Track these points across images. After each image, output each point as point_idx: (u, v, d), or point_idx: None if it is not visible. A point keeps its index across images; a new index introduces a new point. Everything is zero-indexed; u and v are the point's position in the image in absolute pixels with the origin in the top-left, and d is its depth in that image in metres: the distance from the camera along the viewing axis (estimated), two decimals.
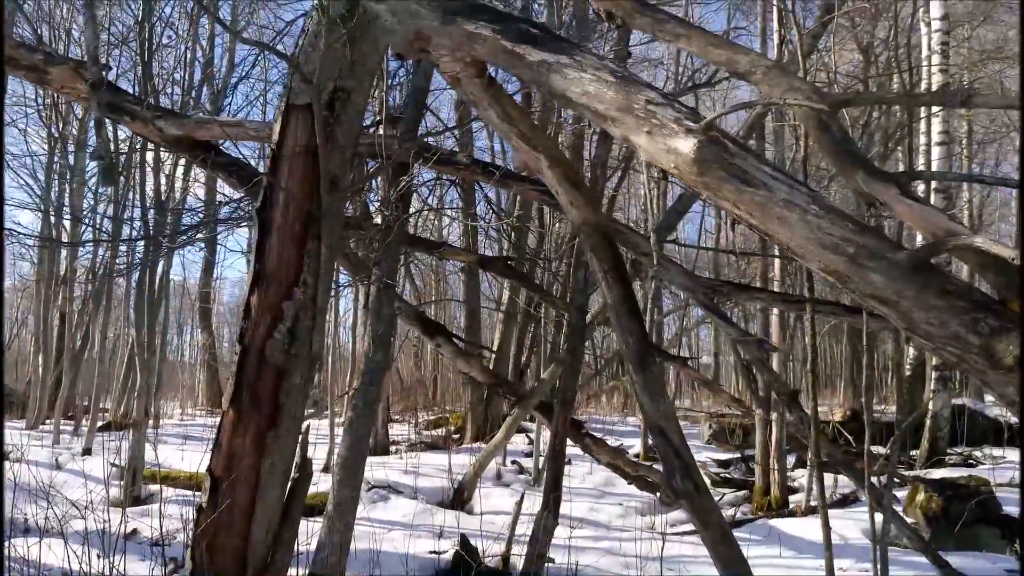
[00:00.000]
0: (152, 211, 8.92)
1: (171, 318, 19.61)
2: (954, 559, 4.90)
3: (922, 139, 11.50)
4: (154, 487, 8.74)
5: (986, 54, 14.92)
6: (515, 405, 8.05)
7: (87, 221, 12.84)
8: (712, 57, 2.05)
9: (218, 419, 3.20)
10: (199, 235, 6.15)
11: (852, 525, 7.43)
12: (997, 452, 10.87)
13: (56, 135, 14.72)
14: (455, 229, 15.89)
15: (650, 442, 10.42)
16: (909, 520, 6.91)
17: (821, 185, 12.92)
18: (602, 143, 5.97)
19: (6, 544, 4.77)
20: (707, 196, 1.62)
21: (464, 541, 6.59)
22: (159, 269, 10.24)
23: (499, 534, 7.08)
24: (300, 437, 3.37)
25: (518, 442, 12.07)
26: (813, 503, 8.37)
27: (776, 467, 8.99)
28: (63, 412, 13.86)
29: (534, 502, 6.27)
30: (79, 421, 14.28)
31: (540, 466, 9.53)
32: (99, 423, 12.69)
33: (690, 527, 6.78)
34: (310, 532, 5.11)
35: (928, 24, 10.73)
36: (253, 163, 6.96)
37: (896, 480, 8.04)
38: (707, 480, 9.76)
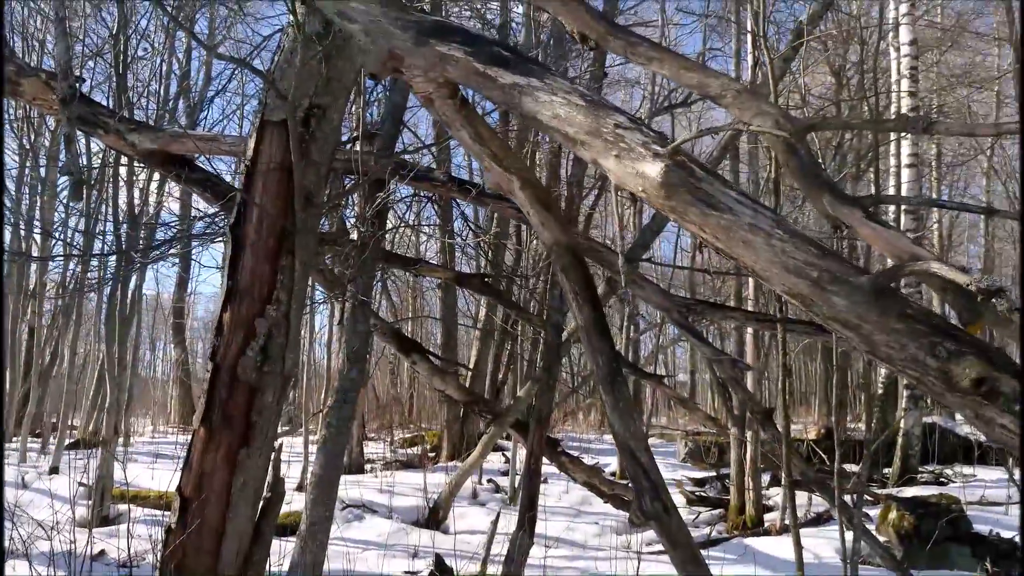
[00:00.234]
0: (125, 225, 8.82)
1: (143, 333, 19.35)
2: None
3: (892, 161, 11.71)
4: (123, 507, 8.58)
5: (954, 79, 15.28)
6: (491, 423, 8.03)
7: (58, 235, 12.66)
8: (684, 80, 2.07)
9: (190, 437, 3.16)
10: (172, 250, 6.08)
11: (826, 544, 7.47)
12: (967, 470, 11.01)
13: (28, 147, 14.54)
14: (432, 245, 15.87)
15: None
16: (881, 538, 6.97)
17: (795, 204, 13.11)
18: (578, 162, 6.01)
19: None
20: (674, 219, 1.65)
21: (439, 561, 6.54)
22: (131, 284, 10.12)
23: (474, 554, 7.03)
24: (272, 456, 3.33)
25: (494, 460, 12.02)
26: (788, 521, 8.41)
27: (751, 486, 9.02)
28: (30, 429, 13.58)
29: (510, 521, 6.24)
30: (46, 439, 14.00)
31: (516, 485, 9.50)
32: (67, 441, 12.45)
33: None
34: (283, 552, 5.04)
35: (897, 49, 10.97)
36: (229, 178, 6.92)
37: (868, 498, 8.11)
38: (682, 498, 9.82)
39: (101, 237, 10.91)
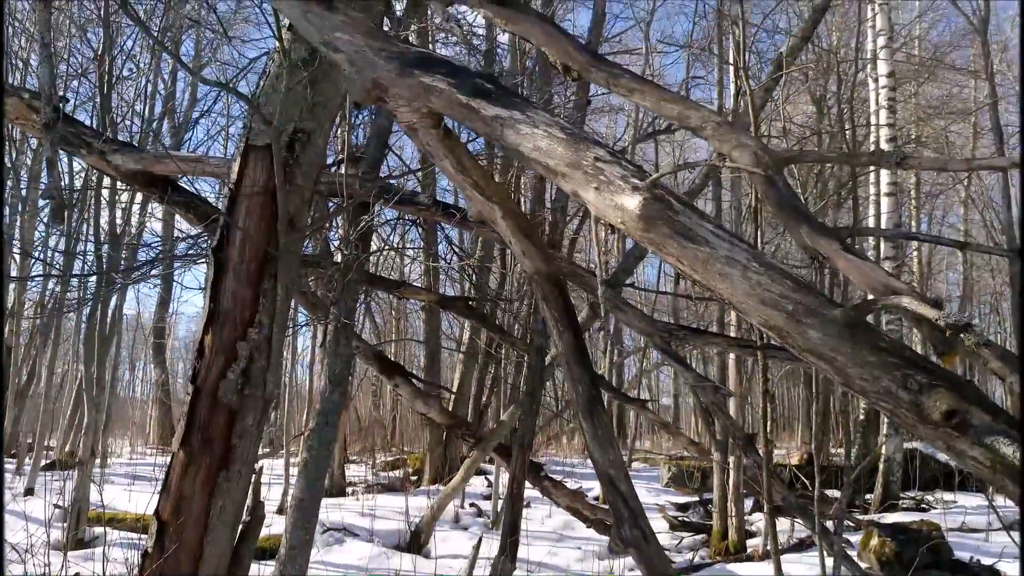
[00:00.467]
0: (106, 245, 8.76)
1: (123, 353, 19.15)
2: None
3: (872, 189, 11.87)
4: (99, 530, 8.43)
5: (932, 110, 15.57)
6: (474, 447, 7.99)
7: (37, 255, 12.54)
8: (665, 112, 2.11)
9: (169, 458, 3.13)
10: (154, 271, 6.04)
11: (808, 570, 7.46)
12: (948, 496, 11.06)
13: (8, 165, 14.41)
14: (417, 268, 15.86)
15: None
16: (863, 565, 6.98)
17: (777, 231, 13.24)
18: None
19: None
20: (653, 251, 1.67)
21: None
22: (112, 303, 10.03)
23: None
24: (252, 479, 3.30)
25: (477, 484, 11.95)
26: (770, 547, 8.40)
27: (734, 511, 9.02)
28: (5, 450, 13.36)
29: (492, 545, 6.19)
30: (22, 459, 13.76)
31: (498, 509, 9.44)
32: (43, 462, 12.24)
33: None
34: None
35: (876, 80, 11.17)
36: (213, 198, 6.89)
37: (850, 524, 8.13)
38: (665, 523, 9.78)
39: (82, 257, 10.82)
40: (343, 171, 4.98)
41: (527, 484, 6.18)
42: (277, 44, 2.98)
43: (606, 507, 8.35)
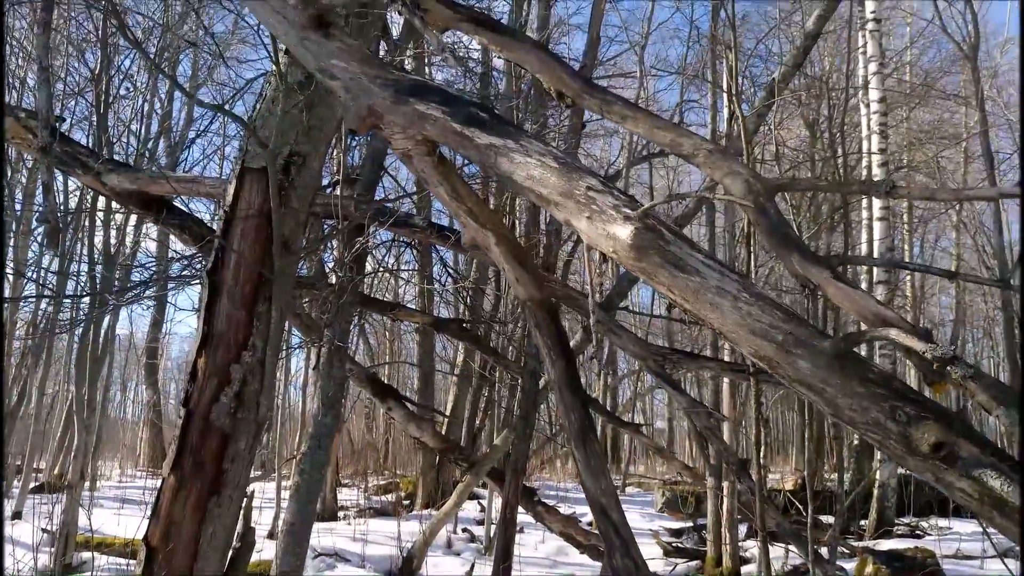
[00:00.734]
0: (100, 266, 8.73)
1: (115, 374, 19.01)
2: None
3: (864, 214, 11.95)
4: (87, 555, 8.33)
5: (923, 135, 15.71)
6: (467, 471, 7.94)
7: (29, 275, 12.48)
8: (657, 139, 2.13)
9: (159, 483, 3.11)
10: (148, 292, 6.03)
11: None
12: (943, 523, 11.02)
13: (3, 183, 14.39)
14: (411, 290, 15.85)
15: None
16: None
17: (771, 255, 13.29)
18: None
19: None
20: (645, 279, 1.68)
21: None
22: (104, 324, 9.98)
23: None
24: (244, 503, 3.28)
25: (470, 509, 11.86)
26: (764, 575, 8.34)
27: (728, 537, 8.96)
28: None
29: (485, 571, 6.15)
30: (10, 482, 13.61)
31: (491, 534, 9.36)
32: (32, 484, 12.12)
33: None
34: None
35: (867, 106, 11.29)
36: (208, 217, 6.88)
37: (844, 551, 8.08)
38: (659, 549, 9.71)
39: (75, 278, 10.78)
40: (338, 193, 5.00)
41: (520, 509, 6.15)
42: (274, 67, 3.00)
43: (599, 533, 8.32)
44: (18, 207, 14.30)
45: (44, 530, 8.47)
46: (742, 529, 9.70)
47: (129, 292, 5.98)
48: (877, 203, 11.05)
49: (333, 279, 5.62)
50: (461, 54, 9.89)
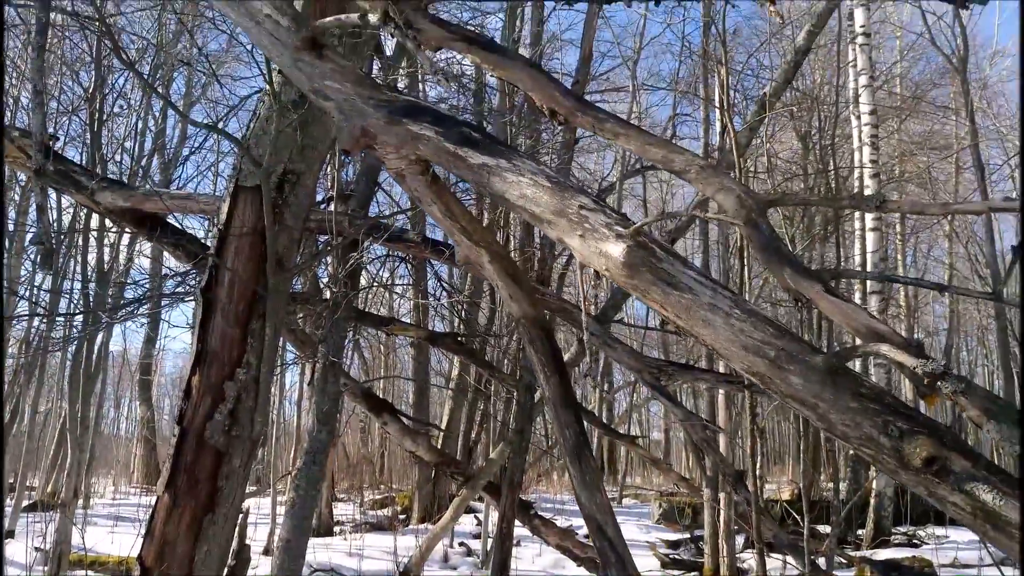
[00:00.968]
0: (93, 284, 8.72)
1: (108, 390, 18.94)
2: None
3: (857, 224, 12.00)
4: (80, 573, 8.27)
5: (914, 145, 15.82)
6: (463, 485, 7.92)
7: (22, 293, 12.44)
8: (650, 155, 2.14)
9: (153, 498, 3.10)
10: (141, 310, 6.01)
11: None
12: (940, 532, 11.01)
13: None
14: (406, 304, 15.83)
15: None
16: None
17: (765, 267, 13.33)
18: None
19: None
20: (637, 296, 1.69)
21: None
22: (97, 341, 9.95)
23: None
24: (239, 520, 3.27)
25: (466, 523, 11.82)
26: None
27: (725, 548, 8.94)
28: None
29: None
30: (3, 500, 13.50)
31: (488, 548, 9.32)
32: (25, 502, 12.03)
33: None
34: None
35: (859, 118, 11.37)
36: (202, 234, 6.88)
37: (841, 561, 8.07)
38: (656, 561, 9.69)
39: (68, 296, 10.74)
40: (333, 208, 5.01)
41: (517, 522, 6.13)
42: (267, 87, 3.01)
43: None
44: (11, 225, 14.26)
45: (37, 549, 8.41)
46: (739, 540, 9.68)
47: (122, 309, 5.97)
48: (869, 215, 11.11)
49: (327, 294, 5.62)
50: (455, 70, 9.94)
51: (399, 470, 17.61)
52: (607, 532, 1.90)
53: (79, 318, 7.99)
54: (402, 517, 12.96)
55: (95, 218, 9.45)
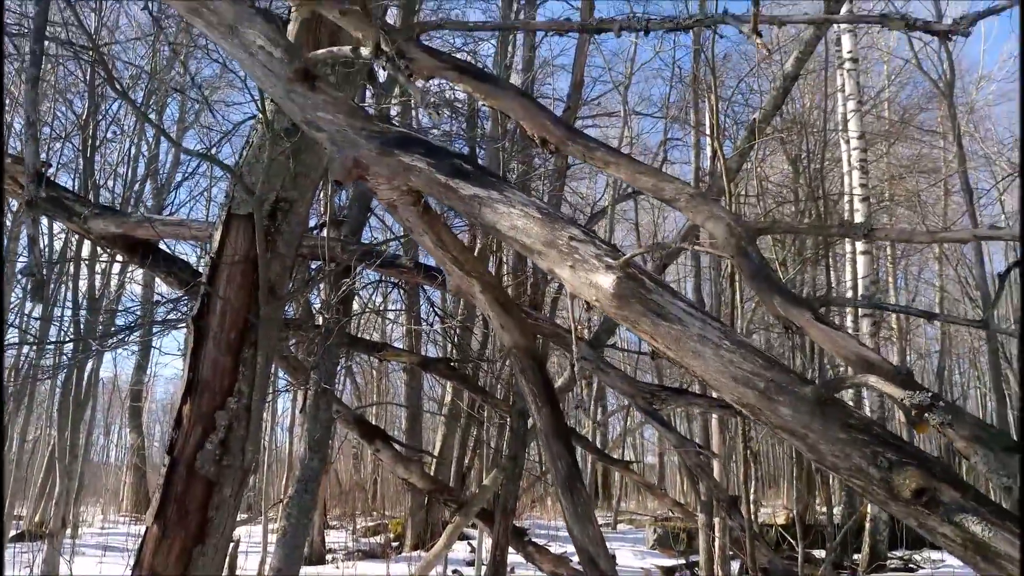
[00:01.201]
0: (84, 311, 8.68)
1: (98, 417, 18.75)
2: None
3: (848, 247, 12.08)
4: None
5: (903, 169, 15.98)
6: (456, 512, 7.86)
7: (12, 319, 12.37)
8: (640, 184, 2.16)
9: (142, 528, 3.06)
10: (133, 336, 5.99)
11: None
12: (936, 555, 10.97)
13: None
14: (399, 329, 15.81)
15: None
16: None
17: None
18: None
19: None
20: (627, 327, 1.70)
21: None
22: (87, 368, 9.88)
23: None
24: (229, 550, 3.23)
25: (460, 550, 11.71)
26: None
27: (721, 574, 8.86)
28: None
29: None
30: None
31: (482, 575, 9.23)
32: (12, 532, 11.87)
33: None
34: None
35: (847, 142, 11.49)
36: (195, 259, 6.87)
37: None
38: None
39: (58, 323, 10.68)
40: (325, 235, 5.02)
41: (511, 549, 6.08)
42: (260, 114, 3.03)
43: None
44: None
45: None
46: (735, 566, 9.61)
47: (113, 337, 5.94)
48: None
49: (320, 320, 5.61)
50: (447, 95, 10.02)
51: (392, 497, 17.46)
52: (600, 564, 1.89)
53: (69, 346, 7.94)
54: (395, 544, 12.83)
55: (87, 245, 9.43)
